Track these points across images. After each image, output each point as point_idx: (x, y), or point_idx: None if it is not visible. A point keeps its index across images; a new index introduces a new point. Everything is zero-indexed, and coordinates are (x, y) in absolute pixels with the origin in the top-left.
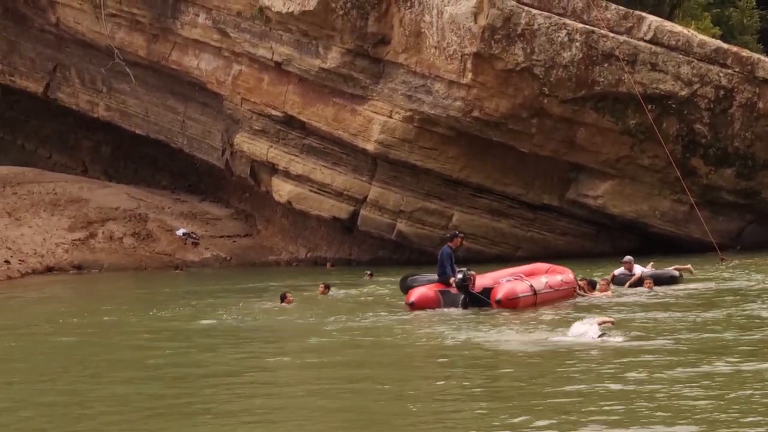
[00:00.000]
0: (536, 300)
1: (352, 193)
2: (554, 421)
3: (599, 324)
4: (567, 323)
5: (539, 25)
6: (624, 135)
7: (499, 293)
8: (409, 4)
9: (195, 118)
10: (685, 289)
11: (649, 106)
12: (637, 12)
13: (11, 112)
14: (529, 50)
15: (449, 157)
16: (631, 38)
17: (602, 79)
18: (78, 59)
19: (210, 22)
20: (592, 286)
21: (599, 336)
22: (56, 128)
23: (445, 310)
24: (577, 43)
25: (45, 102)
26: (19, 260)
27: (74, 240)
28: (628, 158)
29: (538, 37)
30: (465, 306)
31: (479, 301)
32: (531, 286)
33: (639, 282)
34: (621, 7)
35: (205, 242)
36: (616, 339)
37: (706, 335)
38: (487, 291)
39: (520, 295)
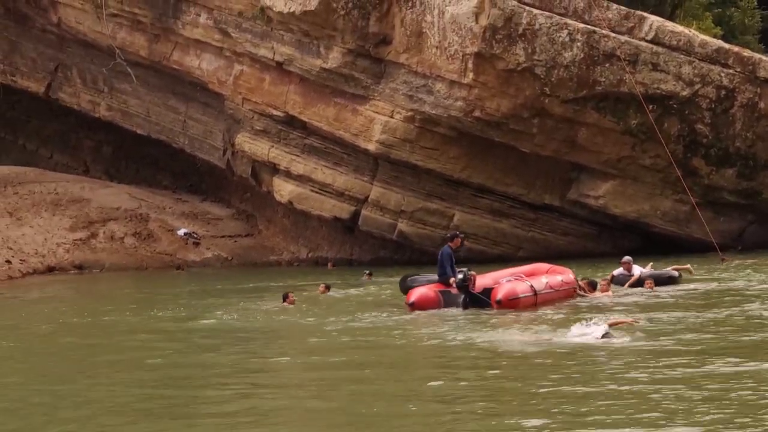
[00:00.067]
0: (536, 300)
1: (354, 193)
2: (555, 422)
3: (612, 325)
4: (568, 324)
5: (540, 25)
6: (625, 135)
7: (500, 294)
8: (410, 4)
9: (196, 118)
10: (686, 290)
11: (651, 106)
12: (639, 12)
13: (13, 112)
14: (530, 50)
15: (450, 157)
16: (633, 38)
17: (603, 79)
18: (79, 59)
19: (211, 22)
20: (592, 286)
21: (602, 336)
22: (57, 128)
23: (446, 310)
24: (579, 43)
25: (46, 102)
26: (21, 260)
27: (75, 240)
28: (629, 158)
29: (540, 37)
30: (465, 306)
31: (479, 301)
32: (531, 286)
33: (638, 282)
34: (622, 7)
35: (207, 242)
36: (619, 339)
37: (707, 335)
38: (488, 291)
39: (521, 295)
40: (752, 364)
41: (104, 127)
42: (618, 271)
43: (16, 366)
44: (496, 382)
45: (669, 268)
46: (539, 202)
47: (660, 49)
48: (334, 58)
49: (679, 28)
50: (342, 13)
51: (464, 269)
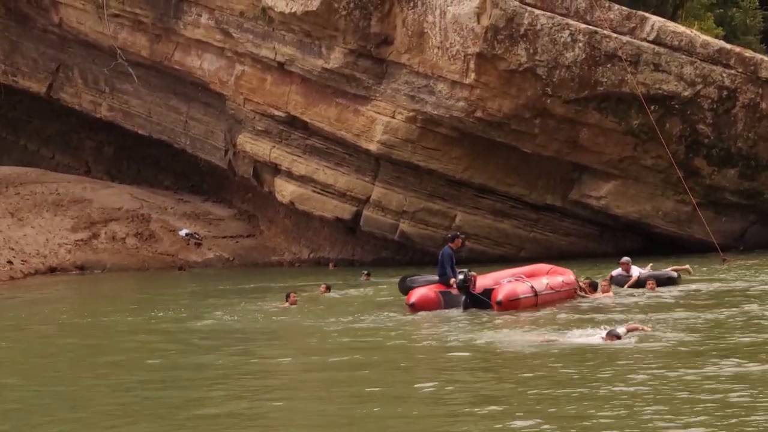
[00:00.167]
0: (537, 301)
1: (355, 193)
2: (555, 424)
3: (630, 330)
4: (569, 325)
5: (542, 25)
6: (627, 135)
7: (500, 294)
8: (412, 5)
9: (198, 118)
10: (687, 290)
11: (652, 107)
12: (640, 12)
13: (14, 113)
14: (532, 50)
15: (452, 157)
16: (634, 39)
17: (605, 80)
18: (81, 59)
19: (213, 22)
20: (593, 287)
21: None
22: (59, 128)
23: (446, 311)
24: (580, 44)
25: (48, 102)
26: (22, 261)
27: (77, 240)
28: (631, 159)
29: (541, 38)
30: (466, 307)
31: (480, 302)
32: (532, 287)
33: (638, 283)
34: (624, 8)
35: (208, 243)
36: (620, 340)
37: (707, 336)
38: (488, 292)
39: (521, 296)
40: (753, 365)
41: (106, 128)
42: (617, 271)
43: (16, 367)
44: (497, 384)
45: (668, 269)
46: (541, 202)
47: (661, 50)
48: (335, 59)
49: (680, 28)
50: (343, 13)
51: (465, 270)
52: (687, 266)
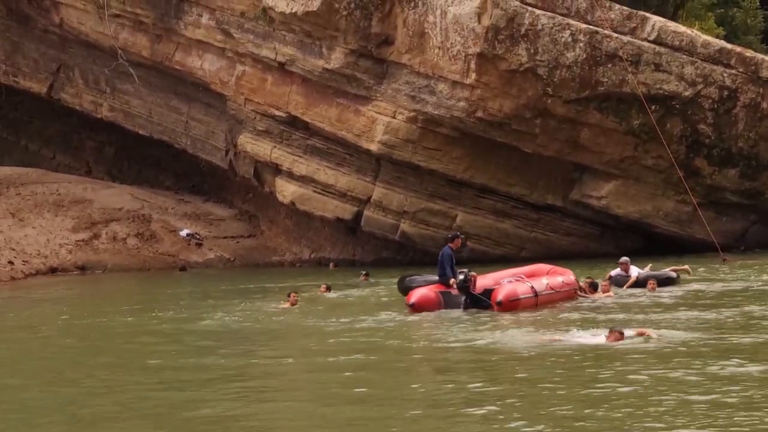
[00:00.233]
0: (537, 301)
1: (356, 193)
2: (555, 426)
3: (639, 335)
4: (569, 324)
5: (543, 25)
6: (628, 135)
7: (500, 295)
8: (412, 5)
9: (198, 118)
10: (688, 290)
11: (653, 107)
12: (641, 12)
13: (15, 113)
14: (532, 50)
15: (453, 157)
16: (635, 38)
17: (606, 80)
18: (81, 60)
19: (213, 22)
20: (593, 287)
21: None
22: (60, 129)
23: (446, 311)
24: (581, 44)
25: (48, 102)
26: (23, 261)
27: (78, 241)
28: (631, 159)
29: (542, 38)
30: (466, 307)
31: (480, 302)
32: (532, 287)
33: (637, 283)
34: (625, 8)
35: (209, 243)
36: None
37: (708, 337)
38: (488, 292)
39: (521, 296)
40: (754, 365)
41: (106, 128)
42: (615, 271)
43: (16, 367)
44: (498, 384)
45: (667, 269)
46: (542, 202)
47: (662, 50)
48: (336, 59)
49: (681, 28)
50: (344, 13)
51: (465, 270)
52: (686, 266)
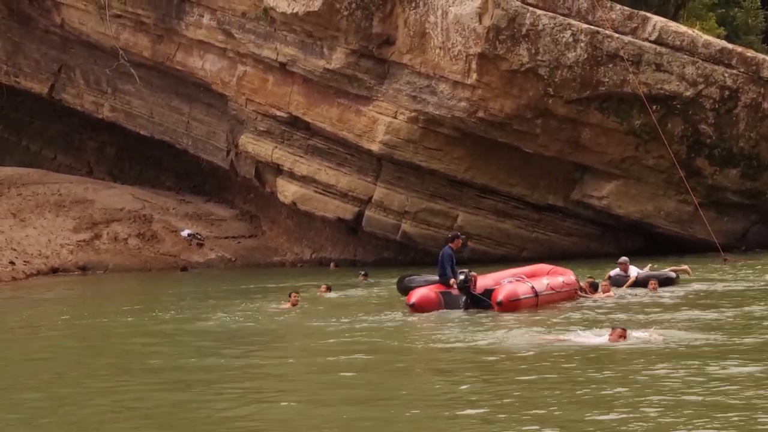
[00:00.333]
0: (538, 302)
1: (357, 193)
2: (557, 426)
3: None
4: (569, 325)
5: (544, 25)
6: (629, 135)
7: (500, 295)
8: (413, 5)
9: (200, 118)
10: (689, 290)
11: (654, 107)
12: (642, 12)
13: (16, 113)
14: (533, 51)
15: (454, 157)
16: (636, 38)
17: (607, 80)
18: (83, 60)
19: (214, 22)
20: (594, 287)
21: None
22: (61, 129)
23: (447, 311)
24: (582, 44)
25: (50, 103)
26: (24, 261)
27: (79, 241)
28: (632, 159)
29: (543, 38)
30: (467, 307)
31: (480, 302)
32: (532, 287)
33: (636, 283)
34: (626, 8)
35: (210, 243)
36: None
37: (709, 337)
38: (489, 292)
39: (522, 296)
40: (756, 365)
41: (108, 128)
42: (614, 271)
43: (17, 368)
44: (498, 386)
45: (666, 269)
46: (543, 202)
47: (663, 50)
48: (337, 59)
49: (682, 28)
50: (345, 13)
51: (465, 270)
52: (686, 267)
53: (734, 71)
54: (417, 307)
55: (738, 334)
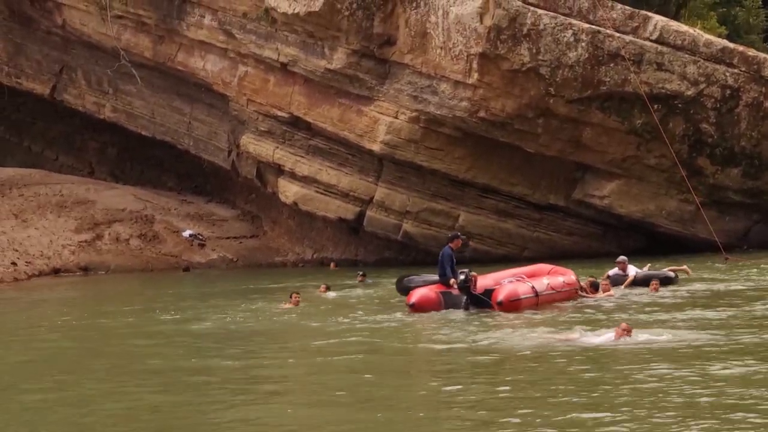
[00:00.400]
0: (538, 301)
1: (358, 193)
2: (559, 427)
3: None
4: (570, 325)
5: (545, 25)
6: (630, 135)
7: (501, 295)
8: (414, 5)
9: (201, 119)
10: (690, 290)
11: (655, 106)
12: (643, 12)
13: (18, 114)
14: (534, 50)
15: (455, 157)
16: (637, 38)
17: (608, 79)
18: (84, 61)
19: (216, 23)
20: (594, 287)
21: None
22: (63, 130)
23: (447, 311)
24: (583, 43)
25: (51, 104)
26: (26, 262)
27: (81, 241)
28: (634, 158)
29: (544, 38)
30: (467, 308)
31: (481, 302)
32: (533, 287)
33: (635, 282)
34: (627, 7)
35: (212, 243)
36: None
37: (712, 336)
38: (489, 292)
39: (522, 296)
40: (758, 365)
41: (109, 129)
42: (613, 271)
43: (18, 369)
44: (499, 387)
45: (665, 269)
46: (544, 202)
47: (665, 49)
48: (338, 59)
49: (683, 27)
50: (346, 13)
51: (465, 270)
52: (685, 266)
53: (735, 70)
54: (417, 307)
55: (740, 334)
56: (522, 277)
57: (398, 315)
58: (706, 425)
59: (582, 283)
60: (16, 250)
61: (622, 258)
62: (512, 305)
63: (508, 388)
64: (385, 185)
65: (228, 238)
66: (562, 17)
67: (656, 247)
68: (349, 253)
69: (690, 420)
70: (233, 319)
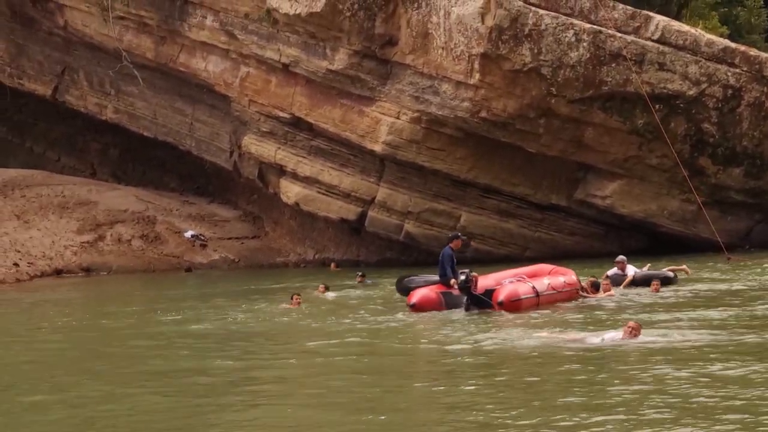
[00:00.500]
0: (539, 302)
1: (360, 194)
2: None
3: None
4: (570, 325)
5: (546, 25)
6: (632, 135)
7: (501, 295)
8: (416, 5)
9: (203, 120)
10: (691, 290)
11: (657, 106)
12: (645, 12)
13: (20, 115)
14: (536, 50)
15: (457, 157)
16: (639, 38)
17: (610, 79)
18: (86, 62)
19: (217, 24)
20: (595, 287)
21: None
22: (64, 131)
23: (448, 312)
24: (585, 43)
25: (53, 105)
26: (28, 263)
27: (83, 242)
28: (636, 158)
29: (546, 38)
30: (468, 308)
31: (481, 302)
32: (533, 287)
33: (634, 282)
34: (628, 7)
35: (213, 244)
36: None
37: (713, 336)
38: (490, 293)
39: (523, 297)
40: (759, 365)
41: (111, 130)
42: (612, 271)
43: (18, 370)
44: (500, 388)
45: (665, 269)
46: (546, 202)
47: (666, 49)
48: (340, 60)
49: (685, 27)
50: (348, 14)
51: (466, 270)
52: (684, 266)
53: (737, 70)
54: (418, 308)
55: (741, 334)
56: (523, 278)
57: (399, 315)
58: (706, 425)
59: (583, 283)
60: (18, 251)
61: (621, 258)
62: (513, 305)
63: (509, 389)
64: (387, 186)
65: (230, 238)
66: (564, 17)
67: (658, 247)
68: (351, 253)
69: (691, 420)
70: (234, 320)
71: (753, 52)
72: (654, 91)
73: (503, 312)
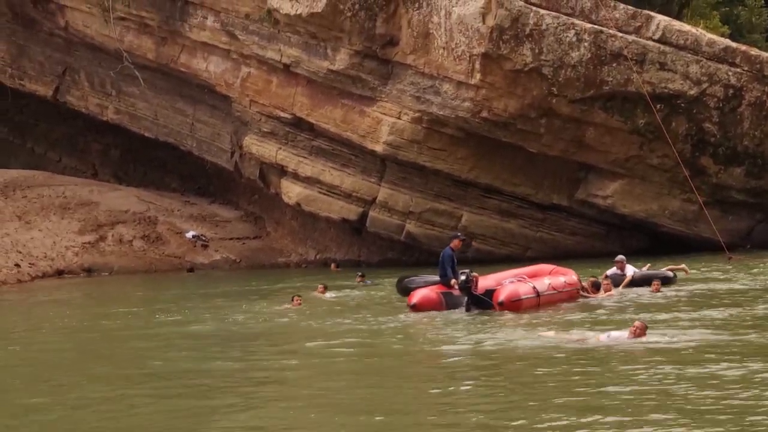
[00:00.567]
0: (539, 302)
1: (361, 194)
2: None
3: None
4: (570, 325)
5: (547, 25)
6: (633, 134)
7: (502, 295)
8: (417, 6)
9: (204, 120)
10: (692, 290)
11: (658, 106)
12: (646, 11)
13: (21, 116)
14: (537, 50)
15: (458, 157)
16: (640, 38)
17: (611, 79)
18: (87, 62)
19: (218, 24)
20: (596, 287)
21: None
22: (66, 131)
23: (448, 312)
24: (586, 43)
25: (54, 105)
26: (30, 264)
27: (84, 243)
28: (637, 158)
29: (547, 37)
30: (468, 308)
31: (482, 302)
32: (534, 287)
33: (633, 282)
34: (629, 7)
35: (215, 244)
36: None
37: (714, 336)
38: (490, 293)
39: (523, 297)
40: (760, 365)
41: (112, 130)
42: (611, 270)
43: (18, 371)
44: (500, 389)
45: (664, 269)
46: (547, 202)
47: (667, 49)
48: (341, 60)
49: (686, 27)
50: (349, 14)
51: (466, 271)
52: (683, 266)
53: (738, 70)
54: (418, 308)
55: (742, 334)
56: (523, 278)
57: (400, 316)
58: (706, 425)
59: (584, 283)
60: (20, 252)
61: (620, 257)
62: (513, 305)
63: (509, 389)
64: (388, 186)
65: (231, 239)
66: (565, 17)
67: (659, 246)
68: (352, 253)
69: (691, 420)
70: (234, 320)
71: (754, 51)
72: (655, 90)
73: (504, 312)
